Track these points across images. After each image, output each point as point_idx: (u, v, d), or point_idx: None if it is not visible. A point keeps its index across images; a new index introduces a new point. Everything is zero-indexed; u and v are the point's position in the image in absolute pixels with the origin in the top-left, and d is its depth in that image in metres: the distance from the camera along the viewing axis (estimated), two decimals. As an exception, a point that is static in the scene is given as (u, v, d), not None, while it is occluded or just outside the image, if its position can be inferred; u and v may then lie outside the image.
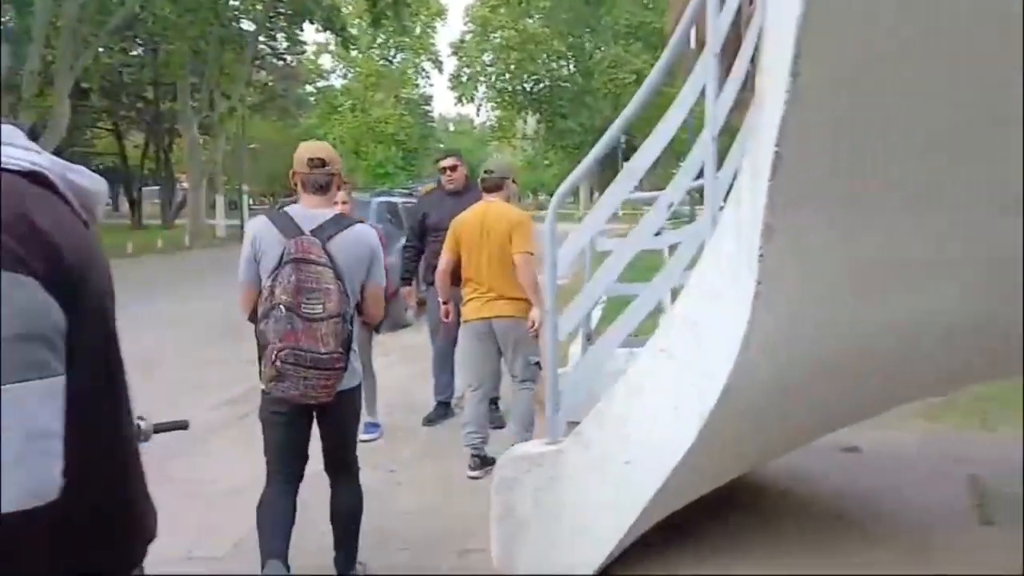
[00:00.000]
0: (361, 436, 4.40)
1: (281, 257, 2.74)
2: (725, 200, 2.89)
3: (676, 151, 4.58)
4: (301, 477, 3.07)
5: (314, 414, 2.97)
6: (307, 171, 2.92)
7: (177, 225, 32.95)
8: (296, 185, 2.98)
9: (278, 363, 2.71)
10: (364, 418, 4.73)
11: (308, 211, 2.89)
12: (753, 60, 2.68)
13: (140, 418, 2.37)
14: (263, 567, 2.86)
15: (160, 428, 2.38)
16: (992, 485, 4.03)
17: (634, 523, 3.04)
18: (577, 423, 3.20)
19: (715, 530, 3.51)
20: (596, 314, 7.49)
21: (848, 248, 2.43)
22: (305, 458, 3.06)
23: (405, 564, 3.35)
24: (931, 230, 2.39)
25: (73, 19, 18.17)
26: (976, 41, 1.86)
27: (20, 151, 0.99)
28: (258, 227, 2.90)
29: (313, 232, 2.79)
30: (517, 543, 3.18)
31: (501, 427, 5.23)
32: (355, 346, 2.88)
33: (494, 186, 4.52)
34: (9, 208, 0.91)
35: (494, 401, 5.42)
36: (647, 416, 2.96)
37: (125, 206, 45.65)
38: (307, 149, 3.00)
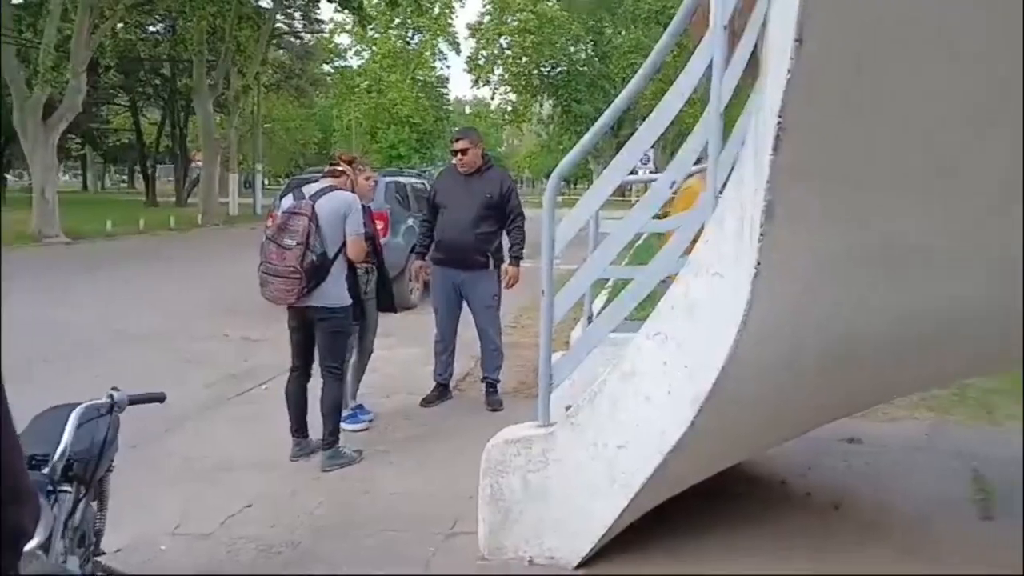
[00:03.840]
0: (345, 425, 4.41)
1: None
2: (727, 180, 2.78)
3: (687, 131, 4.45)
4: (308, 373, 4.35)
5: (312, 327, 4.20)
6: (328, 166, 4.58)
7: (191, 204, 33.00)
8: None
9: (260, 274, 4.06)
10: (349, 403, 4.71)
11: (316, 184, 4.31)
12: (760, 36, 2.56)
13: (115, 389, 2.33)
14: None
15: (135, 400, 2.34)
16: (995, 479, 3.93)
17: (625, 509, 2.97)
18: (571, 407, 3.12)
19: (709, 519, 3.42)
20: (600, 300, 7.40)
21: (852, 229, 2.33)
22: (309, 359, 4.33)
23: (390, 545, 3.28)
24: (938, 213, 2.28)
25: (91, -8, 18.08)
26: (983, 18, 1.75)
27: None
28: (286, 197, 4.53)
29: (310, 196, 4.17)
30: (505, 527, 3.11)
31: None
32: (337, 278, 4.12)
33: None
34: None
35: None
36: (641, 400, 2.88)
37: (140, 182, 45.89)
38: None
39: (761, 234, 2.26)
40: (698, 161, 3.28)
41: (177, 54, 31.85)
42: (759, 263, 2.34)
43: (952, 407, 5.11)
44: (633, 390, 2.89)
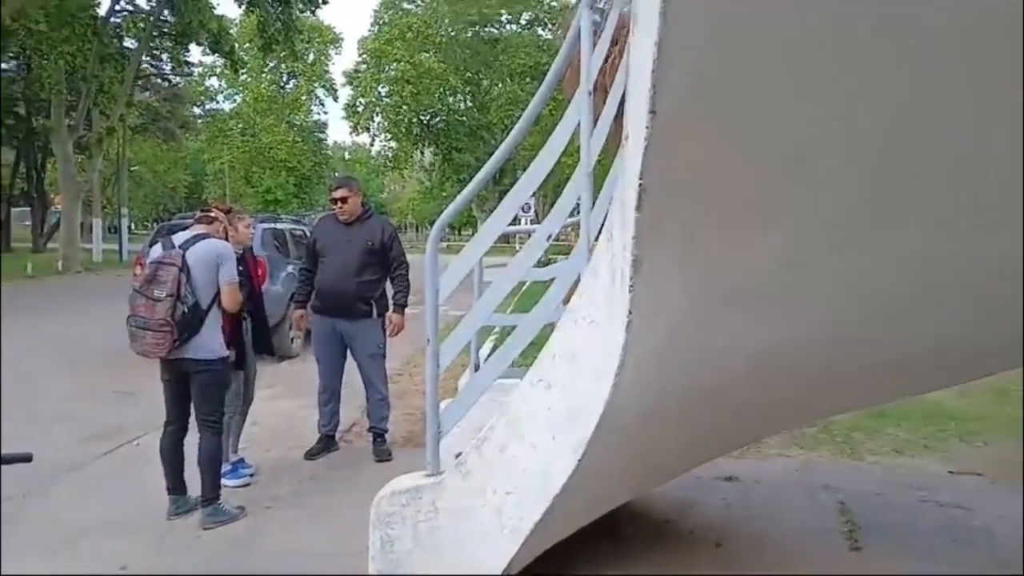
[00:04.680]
0: (226, 481, 4.30)
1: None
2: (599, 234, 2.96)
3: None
4: (184, 427, 4.20)
5: (188, 380, 4.09)
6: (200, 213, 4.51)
7: (50, 249, 30.92)
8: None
9: (128, 327, 3.96)
10: (229, 457, 4.58)
11: (186, 232, 4.22)
12: (623, 97, 2.78)
13: (-18, 450, 2.20)
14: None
15: (4, 460, 2.22)
16: (860, 512, 4.26)
17: (515, 555, 3.03)
18: (461, 454, 3.18)
19: (598, 560, 3.54)
20: (487, 346, 7.51)
21: (715, 277, 2.53)
22: (185, 412, 4.17)
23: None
24: (795, 254, 2.52)
25: (-66, 28, 16.95)
26: (829, 55, 1.95)
27: None
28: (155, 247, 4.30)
29: (180, 245, 4.10)
30: (396, 579, 3.11)
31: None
32: (212, 329, 4.05)
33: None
34: None
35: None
36: (527, 446, 2.97)
37: (-11, 228, 42.55)
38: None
39: (631, 285, 2.43)
40: (573, 213, 3.47)
41: (33, 93, 30.09)
42: (631, 312, 2.51)
43: (818, 444, 5.50)
44: (519, 436, 2.99)
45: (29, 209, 38.47)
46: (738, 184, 2.26)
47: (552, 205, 3.45)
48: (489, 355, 6.36)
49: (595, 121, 3.04)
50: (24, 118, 34.12)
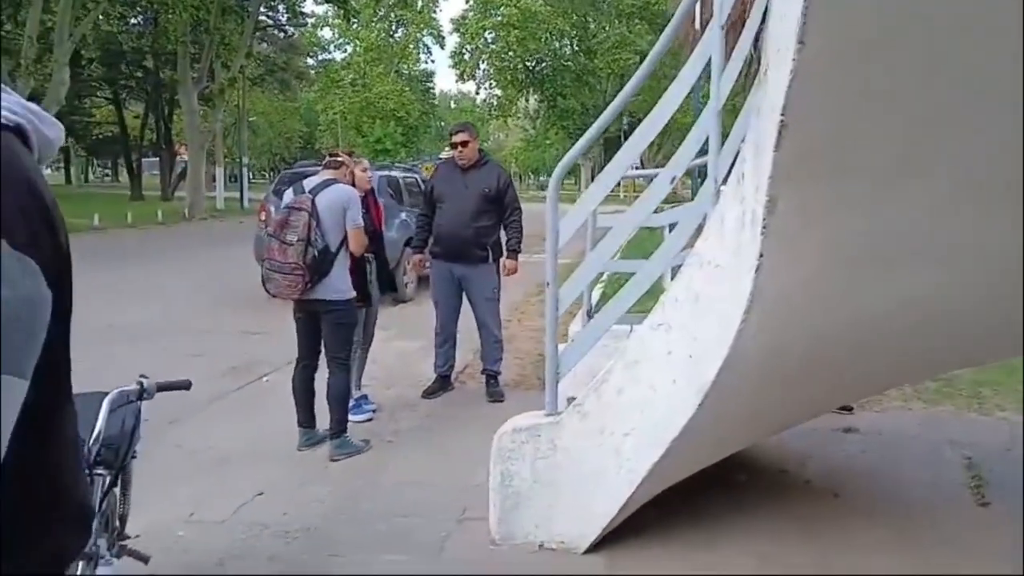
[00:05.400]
0: (351, 416, 4.51)
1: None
2: (728, 174, 2.89)
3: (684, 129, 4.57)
4: (315, 365, 4.41)
5: (319, 319, 4.28)
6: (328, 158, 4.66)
7: (178, 197, 32.81)
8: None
9: (263, 270, 4.20)
10: (353, 393, 4.81)
11: (316, 178, 4.40)
12: (759, 33, 2.67)
13: (143, 376, 2.41)
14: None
15: (163, 387, 2.42)
16: (987, 467, 4.07)
17: (631, 495, 3.08)
18: (575, 398, 3.22)
19: (712, 507, 3.54)
20: (597, 292, 7.52)
21: (853, 221, 2.44)
22: (316, 350, 4.37)
23: (402, 531, 3.38)
24: (938, 205, 2.40)
25: (73, -17, 18.00)
26: (985, 14, 1.85)
27: (6, 98, 0.83)
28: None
29: (310, 190, 4.27)
30: (515, 513, 3.21)
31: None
32: (340, 271, 4.22)
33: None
34: (14, 174, 0.78)
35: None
36: (645, 388, 2.99)
37: (124, 176, 45.49)
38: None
39: (764, 227, 2.37)
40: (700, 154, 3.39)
41: (160, 47, 31.62)
42: (761, 255, 2.45)
43: (943, 399, 5.26)
44: (638, 379, 3.00)
45: (158, 159, 40.84)
46: (889, 130, 2.16)
47: (660, 154, 3.39)
48: (599, 302, 6.37)
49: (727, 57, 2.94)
50: (152, 71, 36.04)
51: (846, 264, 2.56)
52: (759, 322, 2.55)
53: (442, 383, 5.52)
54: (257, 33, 33.54)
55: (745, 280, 2.52)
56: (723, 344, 2.63)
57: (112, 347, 6.76)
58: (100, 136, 46.32)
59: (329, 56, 49.73)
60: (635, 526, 3.22)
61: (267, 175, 57.31)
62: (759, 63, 2.42)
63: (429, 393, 5.42)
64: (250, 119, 39.71)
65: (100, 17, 23.78)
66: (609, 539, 3.19)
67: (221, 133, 32.11)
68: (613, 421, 3.07)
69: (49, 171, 58.51)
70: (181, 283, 11.00)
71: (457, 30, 43.47)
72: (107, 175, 66.25)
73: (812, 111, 2.05)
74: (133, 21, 33.77)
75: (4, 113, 0.81)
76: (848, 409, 4.80)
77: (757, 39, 2.78)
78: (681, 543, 3.24)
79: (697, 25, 3.46)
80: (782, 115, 2.00)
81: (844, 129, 2.12)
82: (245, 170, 35.38)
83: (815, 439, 4.41)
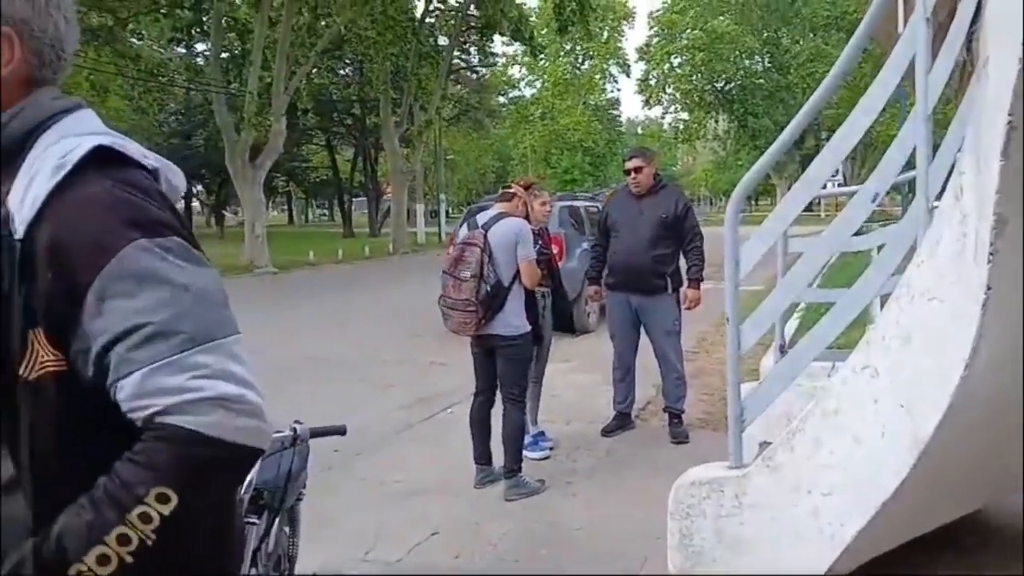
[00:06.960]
0: (527, 452, 4.39)
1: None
2: (943, 190, 2.46)
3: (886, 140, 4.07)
4: (492, 399, 4.39)
5: (494, 353, 4.27)
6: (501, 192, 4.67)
7: (383, 233, 35.13)
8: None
9: (440, 307, 4.22)
10: (530, 429, 4.69)
11: (489, 211, 4.40)
12: (973, 21, 2.26)
13: (297, 422, 2.40)
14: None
15: (317, 432, 2.40)
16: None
17: (836, 560, 2.68)
18: (768, 443, 2.88)
19: (938, 564, 3.02)
20: (792, 324, 6.94)
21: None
22: (493, 383, 4.34)
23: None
24: None
25: (286, 43, 19.85)
26: None
27: (136, 146, 0.99)
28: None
29: (482, 225, 4.23)
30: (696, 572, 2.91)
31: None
32: (515, 306, 4.16)
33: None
34: (166, 201, 0.99)
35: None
36: (848, 441, 2.59)
37: (338, 215, 49.56)
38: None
39: (991, 252, 1.97)
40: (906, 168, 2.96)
41: (365, 94, 34.22)
42: (989, 287, 2.04)
43: None
44: (839, 430, 2.61)
45: (366, 199, 44.08)
46: None
47: (863, 166, 2.98)
48: (794, 335, 5.84)
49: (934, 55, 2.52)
50: (359, 118, 39.09)
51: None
52: (986, 368, 2.12)
53: (621, 420, 5.27)
54: (451, 76, 35.33)
55: (968, 317, 2.10)
56: (943, 393, 2.22)
57: (314, 377, 7.18)
58: (317, 179, 50.81)
59: (519, 93, 51.40)
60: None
61: (463, 209, 59.90)
62: (972, 65, 2.04)
63: (608, 431, 5.20)
64: (447, 157, 41.84)
65: (312, 70, 26.09)
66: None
67: (422, 172, 34.04)
68: (810, 477, 2.69)
69: (275, 212, 64.91)
70: (379, 315, 11.59)
71: (642, 57, 43.32)
72: (324, 215, 72.47)
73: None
74: (341, 72, 36.88)
75: (146, 160, 1.00)
76: None
77: (970, 35, 2.36)
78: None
79: (900, 27, 3.02)
80: (1010, 116, 1.63)
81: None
82: (443, 206, 37.19)
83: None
